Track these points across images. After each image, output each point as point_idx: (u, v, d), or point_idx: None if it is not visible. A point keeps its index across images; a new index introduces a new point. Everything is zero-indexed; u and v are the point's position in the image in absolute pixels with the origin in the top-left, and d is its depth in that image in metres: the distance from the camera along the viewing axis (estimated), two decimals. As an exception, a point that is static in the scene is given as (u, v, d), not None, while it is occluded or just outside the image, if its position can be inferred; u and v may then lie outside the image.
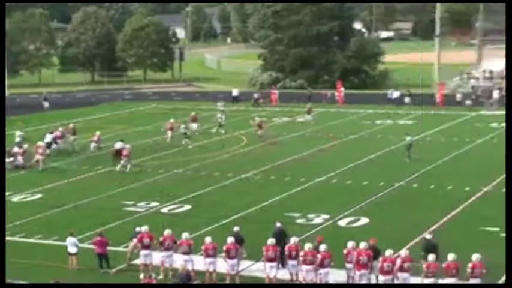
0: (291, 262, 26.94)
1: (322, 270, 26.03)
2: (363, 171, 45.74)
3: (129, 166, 47.42)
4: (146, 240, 28.33)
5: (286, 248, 27.21)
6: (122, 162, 47.62)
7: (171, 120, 59.21)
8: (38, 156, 48.83)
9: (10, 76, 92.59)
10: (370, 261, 25.81)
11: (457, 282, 24.64)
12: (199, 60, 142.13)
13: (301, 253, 26.49)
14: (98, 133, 54.86)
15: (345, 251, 26.45)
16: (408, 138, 49.11)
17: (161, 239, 28.28)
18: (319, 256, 26.04)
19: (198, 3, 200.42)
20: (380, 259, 25.71)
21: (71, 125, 57.82)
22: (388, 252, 25.53)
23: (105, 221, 35.28)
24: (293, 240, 27.33)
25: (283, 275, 27.30)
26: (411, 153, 48.44)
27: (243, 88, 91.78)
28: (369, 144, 54.21)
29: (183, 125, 57.19)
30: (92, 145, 53.84)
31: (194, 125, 60.22)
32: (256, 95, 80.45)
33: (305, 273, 26.30)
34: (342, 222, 34.63)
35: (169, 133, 57.13)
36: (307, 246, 26.59)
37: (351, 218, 35.19)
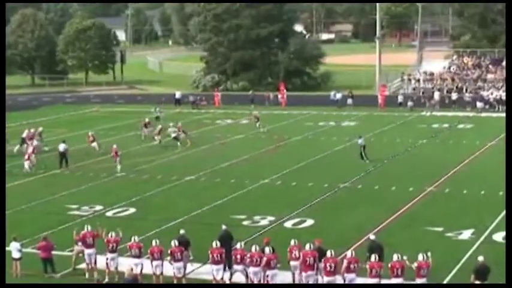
0: (237, 267, 26.94)
1: (269, 272, 26.07)
2: (308, 172, 45.95)
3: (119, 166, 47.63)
4: (89, 240, 28.20)
5: (233, 252, 27.20)
6: (118, 160, 47.72)
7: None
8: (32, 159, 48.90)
9: None
10: (316, 262, 25.93)
11: (403, 282, 24.85)
12: (141, 63, 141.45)
13: (248, 255, 26.54)
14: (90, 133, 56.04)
15: (288, 249, 26.59)
16: (360, 140, 49.52)
17: (105, 240, 28.18)
18: (264, 258, 26.10)
19: (138, 5, 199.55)
20: (323, 260, 25.84)
21: (40, 129, 58.17)
22: (329, 253, 25.66)
23: (49, 225, 34.86)
24: (239, 244, 27.27)
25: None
26: (367, 154, 48.92)
27: (186, 90, 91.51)
28: (313, 146, 54.48)
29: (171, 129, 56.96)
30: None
31: (146, 130, 59.24)
32: (192, 98, 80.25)
33: (253, 275, 26.33)
34: (288, 224, 34.70)
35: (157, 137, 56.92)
36: (254, 248, 26.68)
37: (297, 220, 35.28)
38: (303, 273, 25.97)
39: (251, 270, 26.27)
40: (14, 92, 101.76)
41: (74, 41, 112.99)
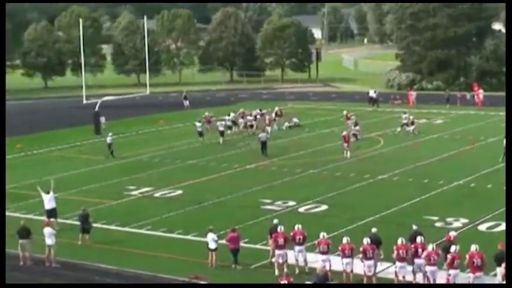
0: (417, 261, 26.77)
1: (452, 271, 25.70)
2: (504, 175, 44.59)
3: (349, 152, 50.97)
4: (281, 240, 28.77)
5: (413, 246, 27.07)
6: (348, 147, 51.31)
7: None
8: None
9: (152, 75, 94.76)
10: (484, 263, 25.51)
11: None
12: (336, 61, 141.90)
13: (425, 253, 26.51)
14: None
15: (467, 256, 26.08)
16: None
17: (291, 233, 28.76)
18: (449, 256, 25.86)
19: (334, 4, 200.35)
20: (502, 265, 25.23)
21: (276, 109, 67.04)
22: None
23: (243, 219, 35.87)
24: (419, 239, 27.19)
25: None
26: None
27: (381, 89, 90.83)
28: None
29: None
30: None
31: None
32: (373, 95, 79.67)
33: (429, 274, 26.23)
34: (482, 227, 33.98)
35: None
36: (431, 246, 26.62)
37: (492, 223, 34.46)
38: (471, 275, 25.62)
39: (428, 269, 26.23)
40: (212, 88, 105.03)
41: (272, 39, 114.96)
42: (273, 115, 65.07)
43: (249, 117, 63.28)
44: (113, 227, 35.94)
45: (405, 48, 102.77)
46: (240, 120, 63.39)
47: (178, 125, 68.68)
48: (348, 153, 50.73)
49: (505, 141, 48.36)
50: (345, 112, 65.28)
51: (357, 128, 57.98)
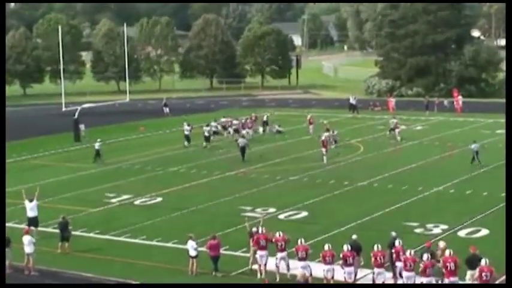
0: (398, 264, 26.78)
1: (424, 279, 25.76)
2: (483, 181, 44.90)
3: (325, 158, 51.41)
4: (262, 242, 28.84)
5: (393, 250, 27.10)
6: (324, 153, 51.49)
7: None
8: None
9: (132, 82, 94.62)
10: (458, 267, 25.55)
11: None
12: (315, 68, 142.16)
13: (402, 258, 26.64)
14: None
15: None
16: (473, 145, 49.67)
17: (273, 240, 28.73)
18: (421, 265, 25.91)
19: (314, 11, 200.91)
20: (477, 269, 25.33)
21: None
22: (484, 261, 25.20)
23: (223, 226, 35.74)
24: (409, 252, 27.06)
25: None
26: (479, 159, 49.01)
27: (361, 95, 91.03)
28: (489, 154, 52.93)
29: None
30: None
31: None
32: (353, 101, 79.85)
33: (406, 280, 26.29)
34: (462, 233, 34.09)
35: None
36: (408, 252, 26.67)
37: (471, 229, 34.59)
38: (445, 280, 25.70)
39: (404, 274, 26.23)
40: (193, 95, 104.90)
41: (253, 46, 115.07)
42: (248, 121, 65.08)
43: (234, 122, 63.44)
44: (92, 235, 35.77)
45: (385, 55, 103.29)
46: (229, 130, 63.66)
47: (158, 132, 68.60)
48: (325, 157, 50.88)
49: (473, 146, 49.07)
50: (308, 116, 65.61)
51: (335, 133, 57.93)
